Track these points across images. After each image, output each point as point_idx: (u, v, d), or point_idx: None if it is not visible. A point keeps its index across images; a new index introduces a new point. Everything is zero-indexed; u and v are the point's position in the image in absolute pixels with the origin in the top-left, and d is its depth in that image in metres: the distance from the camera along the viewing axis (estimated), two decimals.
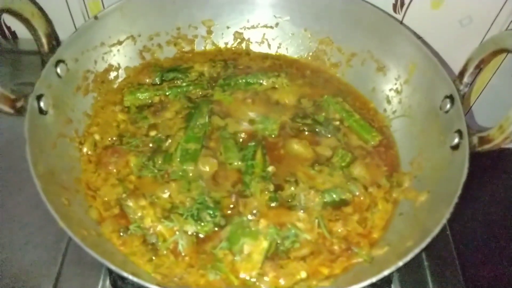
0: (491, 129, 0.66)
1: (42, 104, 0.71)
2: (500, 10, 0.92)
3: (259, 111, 0.88)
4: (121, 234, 0.70)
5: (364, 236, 0.72)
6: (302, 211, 0.73)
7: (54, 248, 0.81)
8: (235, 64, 0.97)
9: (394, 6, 0.94)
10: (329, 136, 0.85)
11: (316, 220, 0.72)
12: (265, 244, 0.68)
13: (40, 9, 0.73)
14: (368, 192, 0.77)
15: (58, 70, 0.76)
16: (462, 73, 0.76)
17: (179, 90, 0.90)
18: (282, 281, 0.66)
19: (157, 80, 0.91)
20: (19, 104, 0.68)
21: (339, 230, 0.72)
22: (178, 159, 0.79)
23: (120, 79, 0.91)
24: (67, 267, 0.79)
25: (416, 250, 0.57)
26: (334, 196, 0.76)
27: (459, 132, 0.71)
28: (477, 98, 1.11)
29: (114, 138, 0.82)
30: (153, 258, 0.68)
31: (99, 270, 0.79)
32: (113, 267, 0.55)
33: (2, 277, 0.78)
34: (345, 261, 0.68)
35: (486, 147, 0.66)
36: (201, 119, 0.85)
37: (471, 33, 0.97)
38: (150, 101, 0.88)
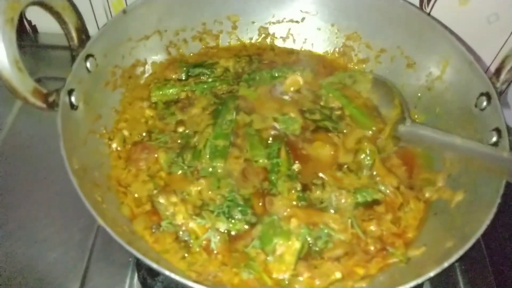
0: None
1: (73, 99, 0.70)
2: None
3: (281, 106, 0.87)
4: (153, 230, 0.69)
5: (398, 236, 0.71)
6: (333, 211, 0.72)
7: (80, 245, 0.81)
8: (260, 59, 0.96)
9: (421, 1, 0.92)
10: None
11: (349, 220, 0.71)
12: (297, 244, 0.67)
13: (71, 2, 0.72)
14: (400, 191, 0.76)
15: (88, 64, 0.75)
16: (499, 70, 0.75)
17: (205, 86, 0.89)
18: (317, 282, 0.65)
19: (183, 76, 0.91)
20: (51, 99, 0.67)
21: (373, 230, 0.71)
22: (208, 156, 0.78)
23: (146, 75, 0.90)
24: (94, 264, 0.79)
25: (460, 252, 0.56)
26: (366, 196, 0.74)
27: (498, 131, 0.69)
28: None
29: (143, 134, 0.81)
30: (186, 255, 0.67)
31: (126, 267, 0.79)
32: (154, 265, 0.54)
33: (29, 275, 0.78)
34: (381, 261, 0.67)
35: None
36: (228, 115, 0.84)
37: (498, 30, 0.95)
38: (177, 97, 0.87)
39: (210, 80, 0.90)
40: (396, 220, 0.73)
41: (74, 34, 0.74)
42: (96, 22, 1.05)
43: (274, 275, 0.66)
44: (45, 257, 0.80)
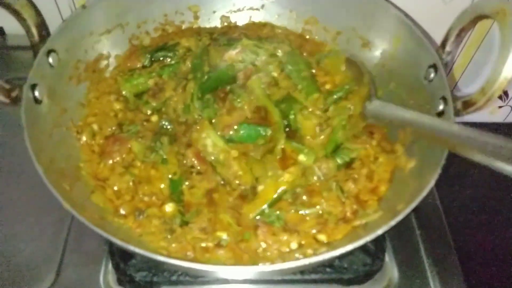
0: (473, 93, 0.68)
1: (36, 93, 0.72)
2: None
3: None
4: (138, 217, 0.71)
5: (373, 192, 0.75)
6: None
7: (55, 238, 0.83)
8: (226, 37, 0.95)
9: None
10: None
11: (334, 184, 0.75)
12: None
13: (29, 0, 0.74)
14: (372, 146, 0.81)
15: (50, 59, 0.77)
16: (444, 43, 0.79)
17: (171, 69, 0.90)
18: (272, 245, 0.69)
19: (147, 62, 0.92)
20: (14, 94, 0.69)
21: (352, 188, 0.75)
22: (197, 106, 0.82)
23: (111, 68, 0.92)
24: (68, 255, 0.82)
25: (407, 211, 0.60)
26: (345, 157, 0.79)
27: (444, 99, 0.73)
28: (462, 74, 1.14)
29: (113, 128, 0.82)
30: (169, 236, 0.69)
31: (101, 256, 0.82)
32: (119, 242, 0.57)
33: (4, 269, 0.80)
34: (347, 226, 0.71)
35: (470, 110, 0.69)
36: (205, 67, 0.87)
37: (453, 9, 0.95)
38: (146, 87, 0.88)
39: (173, 62, 0.91)
40: (370, 174, 0.77)
41: (34, 31, 0.75)
42: (61, 16, 1.06)
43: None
44: (20, 252, 0.82)
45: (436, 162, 0.66)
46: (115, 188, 0.75)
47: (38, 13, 0.76)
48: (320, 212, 0.73)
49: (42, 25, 0.76)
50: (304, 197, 0.74)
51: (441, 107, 0.74)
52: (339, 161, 0.79)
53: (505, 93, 1.15)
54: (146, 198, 0.75)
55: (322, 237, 0.70)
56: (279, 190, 0.74)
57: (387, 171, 0.79)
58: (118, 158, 0.78)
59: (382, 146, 0.82)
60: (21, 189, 0.88)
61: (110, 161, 0.78)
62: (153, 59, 0.92)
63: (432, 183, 0.63)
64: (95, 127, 0.82)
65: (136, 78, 0.89)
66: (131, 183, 0.75)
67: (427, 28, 0.97)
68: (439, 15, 0.97)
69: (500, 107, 1.20)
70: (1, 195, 0.88)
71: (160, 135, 0.81)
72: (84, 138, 0.81)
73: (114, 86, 0.89)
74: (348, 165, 0.79)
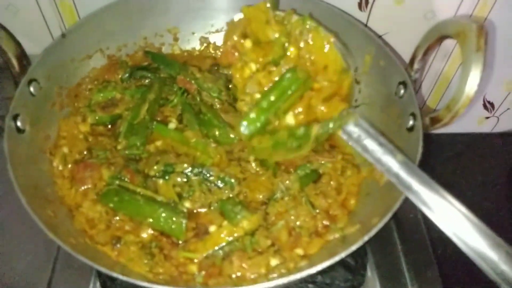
0: (440, 110, 0.72)
1: (19, 123, 0.74)
2: (460, 3, 0.97)
3: None
4: (115, 246, 0.72)
5: (342, 206, 0.79)
6: (287, 198, 0.78)
7: (44, 255, 0.85)
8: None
9: (359, 4, 0.99)
10: None
11: (303, 199, 0.77)
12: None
13: (8, 32, 0.76)
14: (340, 158, 0.84)
15: (31, 89, 0.78)
16: (412, 60, 0.83)
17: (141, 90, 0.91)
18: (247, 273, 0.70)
19: (126, 77, 0.93)
20: None
21: (322, 203, 0.78)
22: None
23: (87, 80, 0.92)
24: (58, 273, 0.84)
25: (379, 225, 0.63)
26: (305, 169, 0.82)
27: (413, 115, 0.77)
28: (433, 87, 1.17)
29: (84, 153, 0.82)
30: (148, 261, 0.71)
31: (90, 274, 0.84)
32: (103, 269, 0.59)
33: None
34: (321, 240, 0.74)
35: (437, 126, 0.73)
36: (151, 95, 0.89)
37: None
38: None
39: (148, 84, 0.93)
40: (339, 187, 0.81)
41: (14, 62, 0.77)
42: (52, 36, 1.08)
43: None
44: (11, 269, 0.84)
45: None
46: (89, 216, 0.75)
47: (17, 44, 0.78)
48: (292, 224, 0.76)
49: (22, 56, 0.78)
50: (273, 218, 0.76)
51: (411, 122, 0.77)
52: (299, 172, 0.81)
53: (491, 104, 1.19)
54: (120, 225, 0.75)
55: (299, 251, 0.72)
56: (234, 235, 0.73)
57: (355, 185, 0.82)
58: (90, 185, 0.78)
59: (346, 159, 0.86)
60: (12, 209, 0.89)
61: (82, 188, 0.78)
62: (132, 76, 0.94)
63: (403, 196, 0.66)
64: (65, 150, 0.82)
65: (110, 90, 0.90)
66: (104, 214, 0.76)
67: (410, 44, 1.00)
68: (421, 31, 1.02)
69: (487, 118, 1.23)
70: None
71: (129, 161, 0.82)
72: (55, 163, 0.80)
73: (83, 104, 0.90)
74: (315, 179, 0.82)
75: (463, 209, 0.60)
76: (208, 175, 0.79)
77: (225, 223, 0.75)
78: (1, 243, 0.86)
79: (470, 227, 0.58)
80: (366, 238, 0.62)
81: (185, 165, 0.79)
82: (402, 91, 0.82)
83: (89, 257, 0.61)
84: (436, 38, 0.77)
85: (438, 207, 0.61)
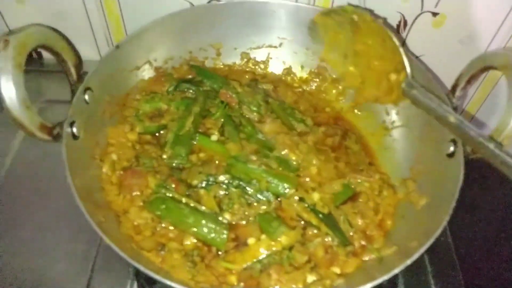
0: None
1: (74, 129, 0.78)
2: (498, 29, 0.99)
3: None
4: (160, 252, 0.74)
5: (379, 226, 0.80)
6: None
7: (84, 257, 0.88)
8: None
9: (398, 26, 1.02)
10: None
11: (342, 217, 0.79)
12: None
13: (70, 43, 0.80)
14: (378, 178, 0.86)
15: (86, 97, 0.82)
16: (454, 88, 0.84)
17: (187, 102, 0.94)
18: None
19: (171, 89, 0.96)
20: (55, 132, 0.75)
21: (359, 223, 0.79)
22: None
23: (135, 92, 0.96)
24: (96, 275, 0.86)
25: (421, 250, 0.64)
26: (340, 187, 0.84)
27: (454, 141, 0.78)
28: (477, 111, 1.19)
29: (132, 160, 0.84)
30: (191, 268, 0.73)
31: (127, 277, 0.86)
32: (152, 275, 0.62)
33: (35, 285, 0.84)
34: (357, 259, 0.75)
35: (479, 154, 0.74)
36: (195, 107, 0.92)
37: (471, 50, 1.02)
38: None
39: (192, 96, 0.96)
40: (376, 207, 0.82)
41: (72, 71, 0.81)
42: (98, 49, 1.14)
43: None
44: (50, 270, 0.86)
45: (448, 200, 0.71)
46: (135, 223, 0.78)
47: (77, 54, 0.82)
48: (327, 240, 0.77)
49: (79, 66, 0.82)
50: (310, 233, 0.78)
51: (451, 148, 0.79)
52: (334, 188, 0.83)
53: None
54: (164, 232, 0.78)
55: (336, 269, 0.74)
56: (272, 250, 0.75)
57: (391, 205, 0.84)
58: (137, 192, 0.80)
59: (383, 178, 0.88)
60: (53, 210, 0.93)
61: (130, 194, 0.80)
62: (177, 88, 0.97)
63: (445, 222, 0.67)
64: (114, 157, 0.85)
65: (157, 101, 0.94)
66: (150, 221, 0.78)
67: (444, 67, 1.02)
68: (456, 55, 1.03)
69: None
70: (34, 216, 0.92)
71: (173, 170, 0.84)
72: (104, 169, 0.83)
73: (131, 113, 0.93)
74: (353, 198, 0.84)
75: None
76: (247, 188, 0.82)
77: (263, 236, 0.77)
78: (41, 243, 0.89)
79: None
80: (408, 262, 0.64)
81: (226, 176, 0.82)
82: None
83: (138, 261, 0.64)
84: (480, 68, 0.79)
85: None
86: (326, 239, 0.76)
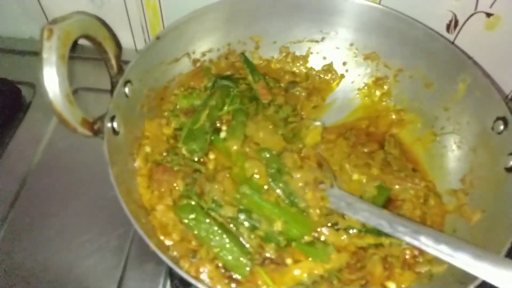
0: None
1: (115, 124, 0.74)
2: None
3: None
4: (192, 260, 0.71)
5: None
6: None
7: (117, 252, 0.86)
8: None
9: (448, 26, 0.96)
10: None
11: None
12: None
13: (112, 32, 0.76)
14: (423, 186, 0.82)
15: (126, 90, 0.78)
16: None
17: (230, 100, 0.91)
18: None
19: (210, 85, 0.93)
20: (96, 127, 0.72)
21: None
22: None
23: (174, 86, 0.93)
24: (129, 271, 0.84)
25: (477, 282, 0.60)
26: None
27: None
28: None
29: (164, 154, 0.83)
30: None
31: (159, 276, 0.84)
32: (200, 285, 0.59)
33: (66, 280, 0.83)
34: (412, 273, 0.72)
35: None
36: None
37: None
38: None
39: (233, 94, 0.92)
40: (423, 216, 0.78)
41: (113, 62, 0.78)
42: (133, 38, 1.09)
43: None
44: (82, 263, 0.85)
45: (509, 219, 0.66)
46: (163, 220, 0.75)
47: (118, 45, 0.78)
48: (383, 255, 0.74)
49: (120, 57, 0.79)
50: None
51: (511, 163, 0.74)
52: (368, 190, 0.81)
53: None
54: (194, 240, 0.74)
55: (391, 285, 0.71)
56: (314, 273, 0.72)
57: (438, 215, 0.80)
58: (165, 189, 0.78)
59: (428, 186, 0.83)
60: (87, 202, 0.91)
61: (158, 190, 0.77)
62: (215, 84, 0.94)
63: (509, 243, 0.63)
64: (148, 149, 0.82)
65: (195, 97, 0.91)
66: (178, 223, 0.74)
67: (495, 72, 0.96)
68: (509, 60, 0.97)
69: None
70: (68, 207, 0.91)
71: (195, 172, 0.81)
72: (137, 163, 0.80)
73: (168, 108, 0.90)
74: (397, 206, 0.80)
75: None
76: (257, 224, 0.76)
77: (304, 258, 0.73)
78: (72, 237, 0.87)
79: None
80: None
81: (231, 212, 0.76)
82: (501, 127, 0.78)
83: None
84: None
85: None
86: (386, 249, 0.74)
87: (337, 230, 0.76)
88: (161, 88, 0.90)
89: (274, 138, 0.85)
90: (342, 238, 0.74)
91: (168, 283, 0.84)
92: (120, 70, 0.79)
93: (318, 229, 0.76)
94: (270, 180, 0.79)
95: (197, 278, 0.69)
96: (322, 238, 0.76)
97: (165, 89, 0.91)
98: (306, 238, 0.75)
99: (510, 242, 0.63)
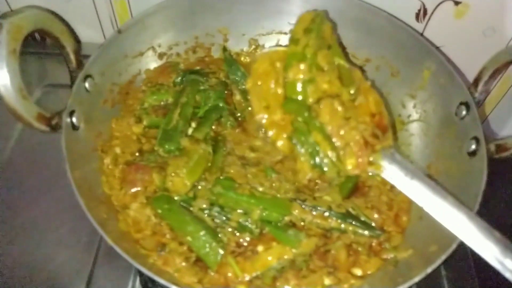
0: (509, 137, 0.69)
1: (74, 119, 0.73)
2: None
3: None
4: (160, 252, 0.71)
5: (395, 223, 0.77)
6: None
7: (87, 249, 0.86)
8: None
9: (417, 15, 0.96)
10: None
11: (351, 209, 0.76)
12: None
13: (69, 27, 0.75)
14: None
15: (87, 84, 0.78)
16: (476, 81, 0.80)
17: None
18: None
19: (179, 80, 0.92)
20: (54, 122, 0.70)
21: (376, 218, 0.76)
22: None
23: (140, 82, 0.91)
24: (99, 267, 0.84)
25: (443, 257, 0.61)
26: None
27: (476, 139, 0.74)
28: (495, 107, 1.13)
29: (136, 154, 0.81)
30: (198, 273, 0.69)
31: (129, 272, 0.84)
32: (155, 277, 0.59)
33: (36, 276, 0.82)
34: (379, 260, 0.72)
35: (504, 154, 0.70)
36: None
37: (494, 43, 0.97)
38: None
39: (202, 88, 0.91)
40: (390, 202, 0.79)
41: (72, 57, 0.77)
42: (103, 32, 1.08)
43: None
44: (52, 260, 0.84)
45: (471, 202, 0.67)
46: (135, 218, 0.74)
47: (76, 39, 0.77)
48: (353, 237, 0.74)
49: (79, 52, 0.77)
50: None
51: (473, 146, 0.75)
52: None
53: None
54: (165, 231, 0.74)
55: (357, 271, 0.71)
56: (284, 258, 0.72)
57: (405, 202, 0.80)
58: (140, 188, 0.76)
59: None
60: (57, 199, 0.90)
61: (132, 190, 0.76)
62: (184, 79, 0.92)
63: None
64: (117, 150, 0.81)
65: (163, 93, 0.89)
66: (153, 217, 0.74)
67: (465, 59, 0.97)
68: (478, 47, 0.98)
69: None
70: (37, 205, 0.90)
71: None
72: (107, 160, 0.80)
73: (137, 107, 0.89)
74: (364, 193, 0.80)
75: None
76: (226, 217, 0.75)
77: (274, 244, 0.73)
78: (44, 233, 0.87)
79: None
80: (429, 270, 0.60)
81: (204, 205, 0.75)
82: (463, 112, 0.79)
83: (144, 264, 0.61)
84: (505, 61, 0.74)
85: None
86: (351, 236, 0.74)
87: (304, 208, 0.76)
88: (126, 83, 0.89)
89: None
90: (308, 216, 0.74)
91: (138, 279, 0.83)
92: (80, 65, 0.78)
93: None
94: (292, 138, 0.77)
95: (160, 271, 0.68)
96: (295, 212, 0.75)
97: (130, 83, 0.89)
98: (286, 219, 0.75)
99: None
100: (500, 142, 0.71)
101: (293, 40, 0.78)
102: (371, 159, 0.74)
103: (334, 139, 0.75)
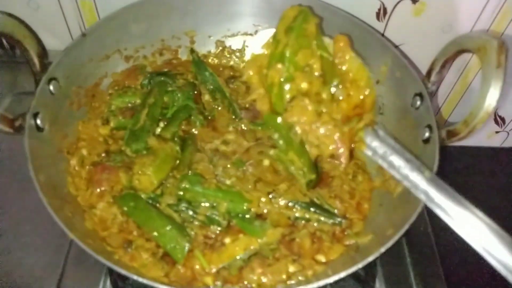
0: (457, 123, 0.73)
1: (38, 121, 0.74)
2: (478, 17, 0.98)
3: None
4: (127, 249, 0.72)
5: (357, 210, 0.80)
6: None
7: (56, 251, 0.85)
8: None
9: (377, 14, 1.00)
10: None
11: (316, 199, 0.79)
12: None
13: (31, 31, 0.77)
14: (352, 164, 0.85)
15: (51, 87, 0.79)
16: (429, 72, 0.84)
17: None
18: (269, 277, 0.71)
19: (146, 82, 0.93)
20: (17, 123, 0.72)
21: (339, 207, 0.79)
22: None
23: (106, 85, 0.93)
24: (69, 269, 0.84)
25: (396, 237, 0.64)
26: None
27: (429, 127, 0.78)
28: (460, 99, 1.18)
29: (102, 155, 0.83)
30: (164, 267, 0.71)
31: (100, 271, 0.84)
32: (123, 272, 0.60)
33: (6, 280, 0.82)
34: (341, 246, 0.75)
35: (454, 139, 0.73)
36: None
37: (452, 39, 1.01)
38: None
39: (170, 89, 0.92)
40: (352, 191, 0.82)
41: (35, 60, 0.78)
42: (71, 36, 1.09)
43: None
44: (21, 264, 0.84)
45: None
46: (102, 217, 0.76)
47: (39, 42, 0.78)
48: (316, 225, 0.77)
49: (42, 54, 0.79)
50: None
51: (427, 134, 0.78)
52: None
53: (502, 119, 1.20)
54: (132, 229, 0.75)
55: (321, 258, 0.73)
56: (250, 248, 0.73)
57: (366, 190, 0.83)
58: (106, 188, 0.78)
59: (357, 164, 0.87)
60: (25, 203, 0.89)
61: (99, 189, 0.78)
62: (152, 81, 0.94)
63: (419, 208, 0.67)
64: (84, 152, 0.82)
65: (130, 96, 0.90)
66: (119, 216, 0.76)
67: (426, 56, 1.00)
68: (438, 43, 1.01)
69: (497, 132, 1.23)
70: (5, 207, 0.90)
71: None
72: (73, 161, 0.81)
73: (104, 109, 0.90)
74: (327, 183, 0.83)
75: (493, 224, 0.59)
76: (194, 211, 0.77)
77: (241, 235, 0.75)
78: (13, 237, 0.87)
79: (499, 242, 0.57)
80: (382, 249, 0.63)
81: (171, 201, 0.77)
82: (418, 103, 0.82)
83: (109, 259, 0.62)
84: (454, 51, 0.78)
85: (467, 223, 0.60)
86: (315, 224, 0.76)
87: (270, 199, 0.78)
88: (92, 85, 0.90)
89: None
90: (274, 207, 0.77)
91: (108, 279, 0.84)
92: (44, 68, 0.79)
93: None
94: None
95: (127, 266, 0.69)
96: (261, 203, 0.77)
97: (96, 86, 0.91)
98: (253, 211, 0.77)
99: (420, 209, 0.67)
100: (450, 128, 0.74)
101: (274, 40, 0.80)
102: (352, 145, 0.75)
103: (309, 137, 0.75)
